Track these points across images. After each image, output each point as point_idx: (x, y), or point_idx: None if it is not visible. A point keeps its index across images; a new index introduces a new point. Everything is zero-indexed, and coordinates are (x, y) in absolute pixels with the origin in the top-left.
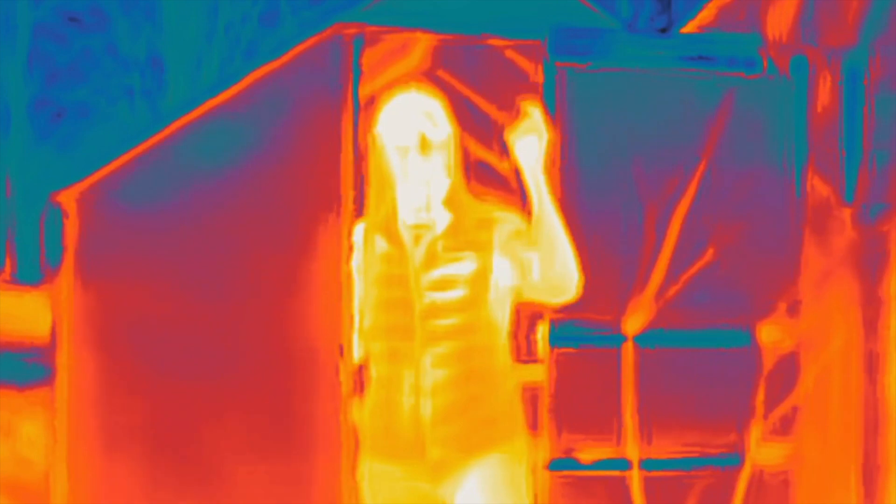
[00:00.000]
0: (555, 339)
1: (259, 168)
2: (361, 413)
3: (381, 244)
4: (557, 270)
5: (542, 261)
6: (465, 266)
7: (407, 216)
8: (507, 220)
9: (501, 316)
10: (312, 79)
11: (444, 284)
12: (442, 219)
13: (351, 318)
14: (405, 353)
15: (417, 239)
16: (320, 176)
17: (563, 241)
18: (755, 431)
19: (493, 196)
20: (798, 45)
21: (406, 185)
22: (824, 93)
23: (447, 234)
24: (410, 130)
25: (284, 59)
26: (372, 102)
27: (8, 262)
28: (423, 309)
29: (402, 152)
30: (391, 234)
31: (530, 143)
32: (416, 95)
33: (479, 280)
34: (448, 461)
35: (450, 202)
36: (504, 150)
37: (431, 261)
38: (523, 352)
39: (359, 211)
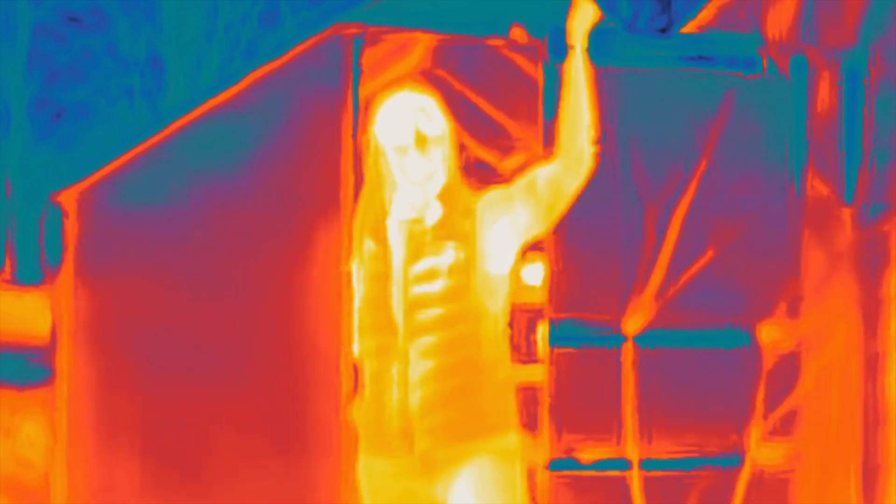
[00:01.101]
0: (555, 339)
1: (259, 168)
2: (357, 411)
3: (368, 244)
4: (579, 141)
5: (565, 132)
6: (448, 256)
7: (402, 213)
8: (488, 194)
9: (493, 305)
10: (312, 79)
11: (428, 276)
12: (434, 212)
13: (351, 317)
14: (393, 348)
15: (412, 235)
16: (320, 176)
17: (586, 113)
18: (755, 431)
19: (483, 187)
20: (798, 45)
21: (405, 183)
22: (824, 93)
23: (436, 226)
24: (406, 128)
25: (284, 59)
26: (371, 103)
27: (8, 262)
28: (408, 302)
29: (400, 151)
30: (378, 233)
31: (586, 12)
32: (410, 93)
33: (464, 270)
34: (438, 454)
35: (444, 196)
36: (503, 151)
37: (417, 253)
38: (523, 352)
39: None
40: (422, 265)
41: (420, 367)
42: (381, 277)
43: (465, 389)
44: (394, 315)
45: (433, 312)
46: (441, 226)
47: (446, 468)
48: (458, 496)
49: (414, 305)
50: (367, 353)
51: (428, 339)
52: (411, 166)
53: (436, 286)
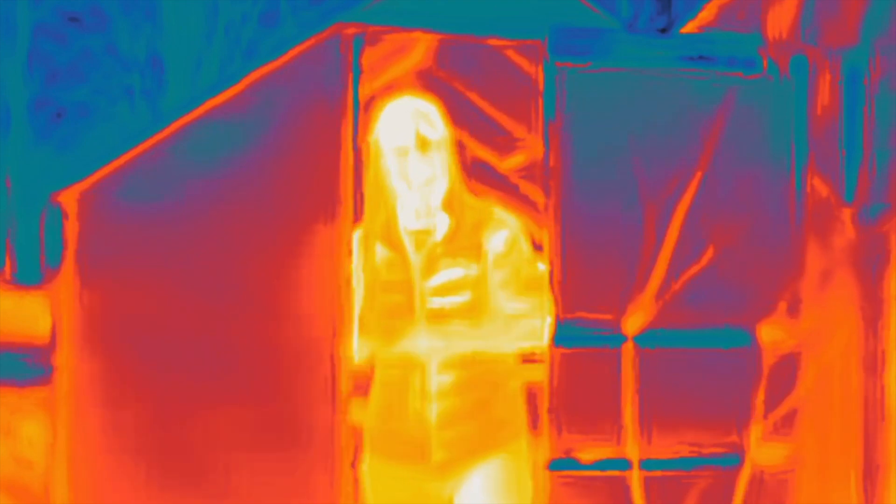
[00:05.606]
0: (555, 339)
1: (258, 168)
2: (366, 414)
3: (381, 250)
4: (527, 342)
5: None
6: (461, 272)
7: (408, 222)
8: (501, 228)
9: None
10: (312, 79)
11: (446, 290)
12: (442, 224)
13: (350, 319)
14: (411, 358)
15: (419, 244)
16: (320, 176)
17: (514, 333)
18: (755, 431)
19: (493, 195)
20: (798, 45)
21: (406, 188)
22: (824, 93)
23: (447, 239)
24: (407, 131)
25: (284, 59)
26: (371, 104)
27: (8, 262)
28: (427, 314)
29: (400, 153)
30: (391, 239)
31: None
32: (411, 99)
33: (480, 283)
34: (453, 463)
35: (449, 205)
36: (503, 151)
37: (432, 266)
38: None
39: (358, 211)
40: (437, 279)
41: (439, 379)
42: (398, 286)
43: (483, 403)
44: (417, 325)
45: (453, 325)
46: (451, 240)
47: (459, 472)
48: (469, 496)
49: (433, 318)
50: (382, 360)
51: (448, 353)
52: (412, 169)
53: (455, 300)
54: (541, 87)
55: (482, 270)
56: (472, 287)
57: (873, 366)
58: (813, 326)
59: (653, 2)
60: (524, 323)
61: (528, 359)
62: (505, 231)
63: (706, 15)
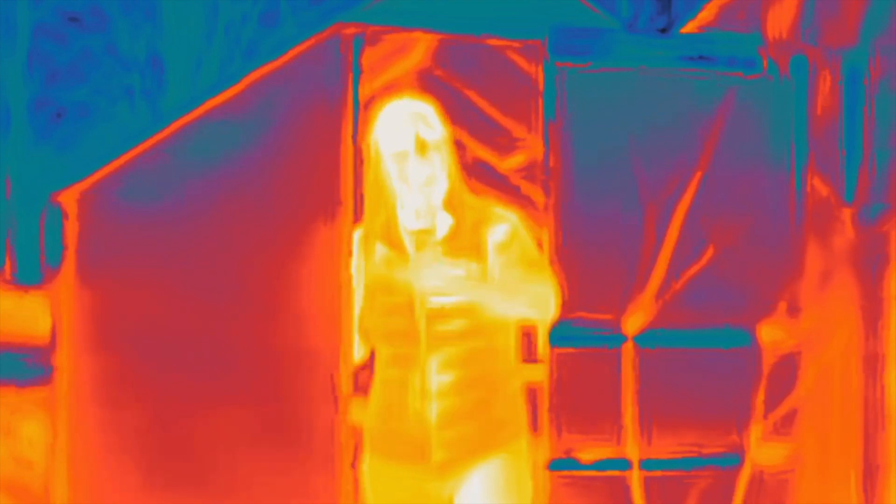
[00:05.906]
0: (555, 339)
1: (258, 168)
2: (366, 414)
3: (381, 250)
4: (533, 310)
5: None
6: (462, 270)
7: (408, 222)
8: (502, 222)
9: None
10: (312, 79)
11: (446, 289)
12: (443, 223)
13: (350, 319)
14: (410, 358)
15: (420, 244)
16: (320, 176)
17: (520, 297)
18: (755, 431)
19: (493, 194)
20: (798, 45)
21: (406, 190)
22: (824, 93)
23: (448, 238)
24: (405, 135)
25: (284, 59)
26: (371, 104)
27: (8, 262)
28: (427, 313)
29: (399, 158)
30: (392, 239)
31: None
32: (408, 101)
33: (481, 282)
34: (453, 463)
35: (450, 204)
36: (503, 151)
37: (432, 265)
38: (524, 352)
39: (359, 211)
40: (440, 277)
41: (438, 379)
42: (398, 286)
43: (483, 403)
44: (417, 325)
45: (453, 325)
46: (452, 238)
47: (459, 472)
48: (469, 496)
49: (433, 317)
50: (382, 360)
51: (447, 352)
52: (412, 171)
53: (455, 299)
54: (541, 87)
55: (483, 269)
56: (472, 286)
57: (873, 366)
58: (813, 326)
59: (653, 2)
60: (531, 289)
61: (528, 358)
62: (505, 225)
63: (706, 15)
